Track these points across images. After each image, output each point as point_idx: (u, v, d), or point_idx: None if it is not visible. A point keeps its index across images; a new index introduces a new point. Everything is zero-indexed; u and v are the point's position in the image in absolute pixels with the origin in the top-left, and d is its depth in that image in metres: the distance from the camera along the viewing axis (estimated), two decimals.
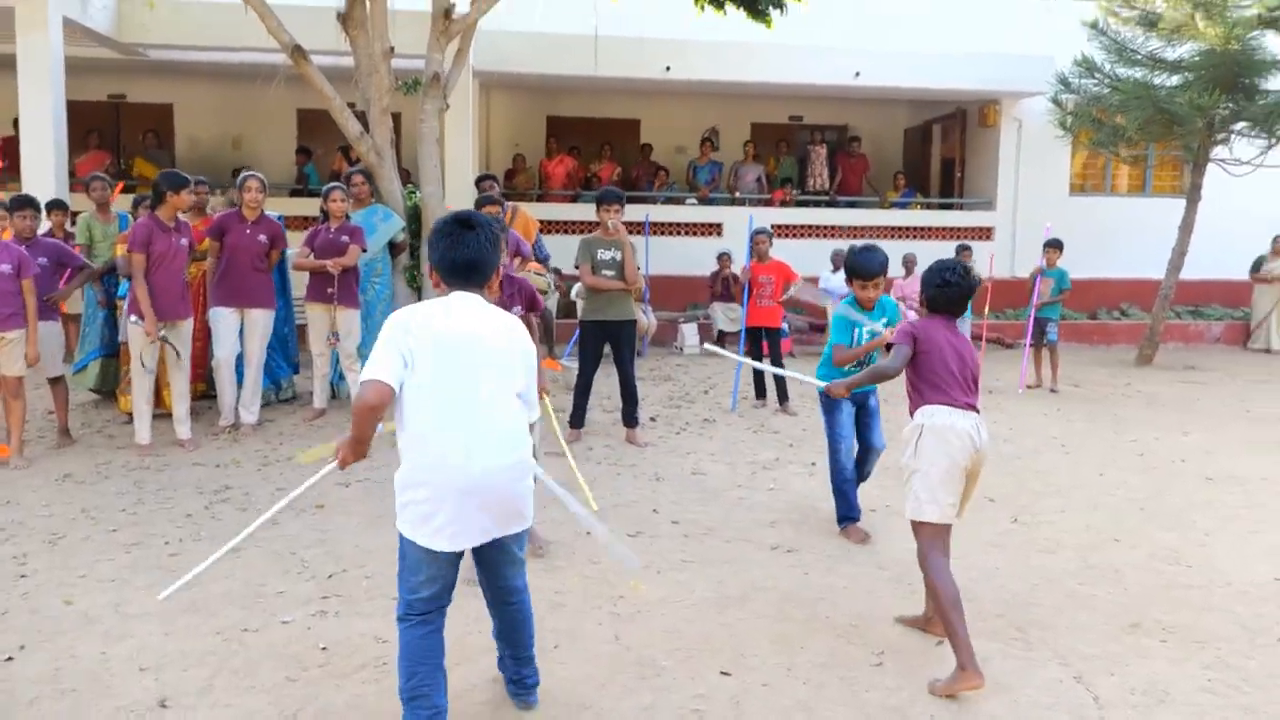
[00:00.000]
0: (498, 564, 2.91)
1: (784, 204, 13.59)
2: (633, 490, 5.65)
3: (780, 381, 8.00)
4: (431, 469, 2.68)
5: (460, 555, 2.80)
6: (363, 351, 7.48)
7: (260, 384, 7.01)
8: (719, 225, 13.25)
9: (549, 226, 11.82)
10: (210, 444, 6.52)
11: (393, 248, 8.14)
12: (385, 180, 8.17)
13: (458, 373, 2.68)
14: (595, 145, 14.39)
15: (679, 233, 13.08)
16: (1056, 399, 8.89)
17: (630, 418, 6.88)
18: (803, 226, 13.31)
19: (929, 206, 14.09)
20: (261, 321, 6.85)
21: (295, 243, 7.52)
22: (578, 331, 7.83)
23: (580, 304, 7.63)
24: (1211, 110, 9.17)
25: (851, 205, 13.80)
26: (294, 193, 12.62)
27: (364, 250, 7.28)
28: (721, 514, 5.21)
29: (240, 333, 6.82)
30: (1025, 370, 9.42)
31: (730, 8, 8.45)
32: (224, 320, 6.73)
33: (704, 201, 13.49)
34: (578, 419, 6.87)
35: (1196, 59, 9.38)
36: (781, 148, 14.29)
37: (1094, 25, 9.89)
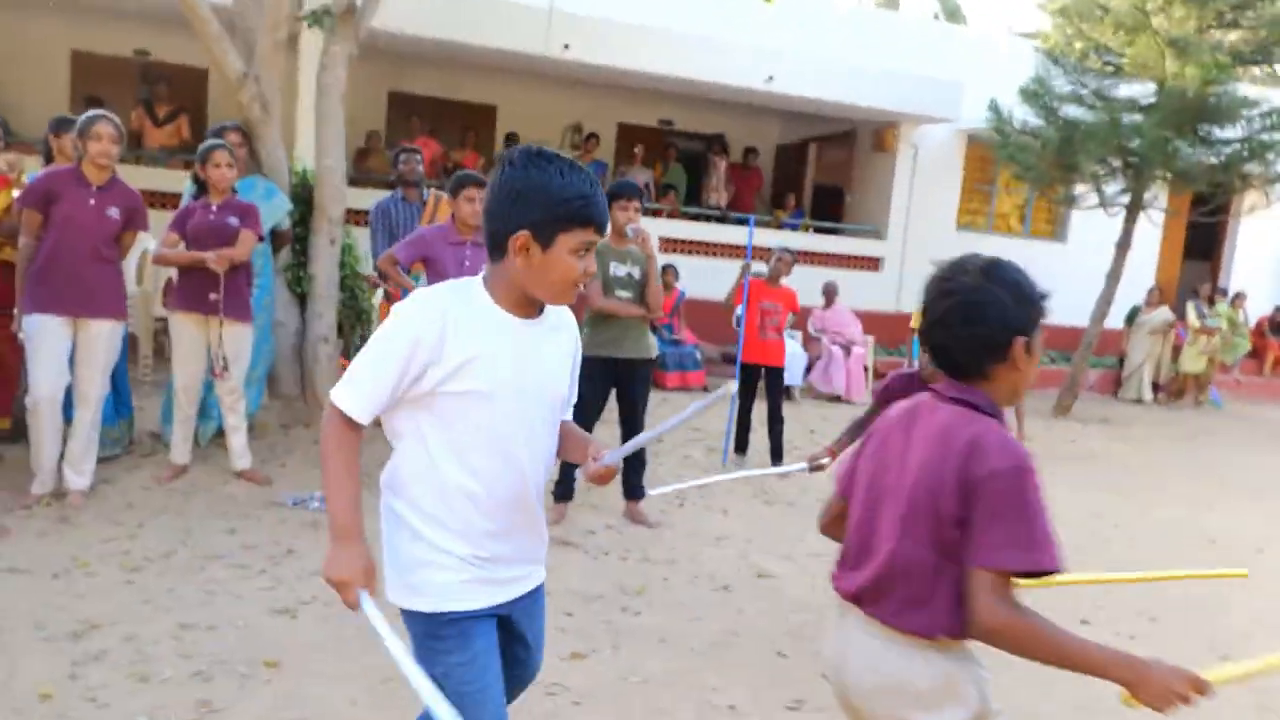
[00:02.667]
0: None
1: (671, 215, 12.23)
2: (710, 605, 4.01)
3: (777, 436, 6.59)
4: None
5: None
6: (254, 374, 5.31)
7: (98, 432, 4.66)
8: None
9: None
10: (24, 526, 4.17)
11: (274, 237, 5.95)
12: (269, 142, 5.95)
13: None
14: (448, 131, 12.40)
15: None
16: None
17: (635, 487, 5.21)
18: (692, 242, 12.01)
19: (821, 230, 13.22)
20: (107, 338, 4.54)
21: None
22: None
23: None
24: (1174, 155, 8.78)
25: (741, 222, 12.64)
26: None
27: (260, 239, 5.12)
28: None
29: (70, 356, 4.48)
30: None
31: None
32: (50, 334, 4.36)
33: None
34: (565, 489, 5.09)
35: (1155, 100, 8.96)
36: (670, 153, 12.93)
37: (1050, 54, 9.28)
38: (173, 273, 6.64)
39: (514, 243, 1.77)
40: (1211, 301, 12.83)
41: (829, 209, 14.16)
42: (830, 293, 10.65)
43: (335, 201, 6.06)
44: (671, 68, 10.96)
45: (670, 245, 11.62)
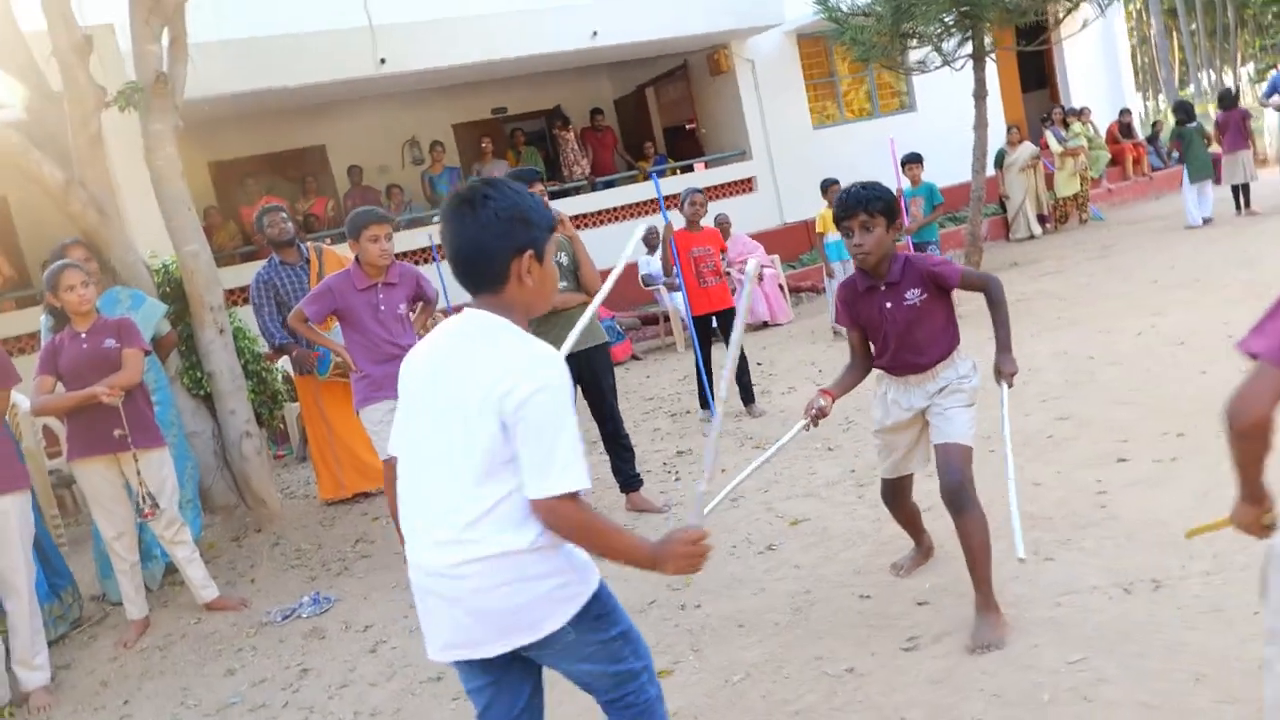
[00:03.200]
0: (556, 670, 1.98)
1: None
2: (764, 571, 3.76)
3: (744, 377, 6.38)
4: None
5: (493, 667, 1.92)
6: (185, 496, 4.78)
7: (39, 619, 4.08)
8: None
9: None
10: None
11: (157, 346, 5.35)
12: (118, 247, 5.33)
13: (414, 426, 1.92)
14: (285, 184, 11.70)
15: (444, 255, 10.83)
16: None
17: (631, 478, 4.91)
18: (570, 219, 11.65)
19: (687, 170, 13.01)
20: (17, 515, 3.91)
21: None
22: None
23: None
24: None
25: (609, 185, 12.36)
26: None
27: (146, 352, 4.56)
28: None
29: None
30: None
31: None
32: None
33: None
34: None
35: None
36: (519, 138, 12.47)
37: None
38: (51, 421, 5.99)
39: (520, 265, 1.84)
40: (1065, 124, 13.20)
41: (686, 146, 14.00)
42: (725, 225, 10.44)
43: (211, 288, 5.50)
44: (496, 52, 10.55)
45: None
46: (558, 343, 4.53)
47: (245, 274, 8.31)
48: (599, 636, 1.91)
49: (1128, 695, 2.51)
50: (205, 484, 5.67)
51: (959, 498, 2.95)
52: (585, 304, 4.74)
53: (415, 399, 1.91)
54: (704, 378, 6.37)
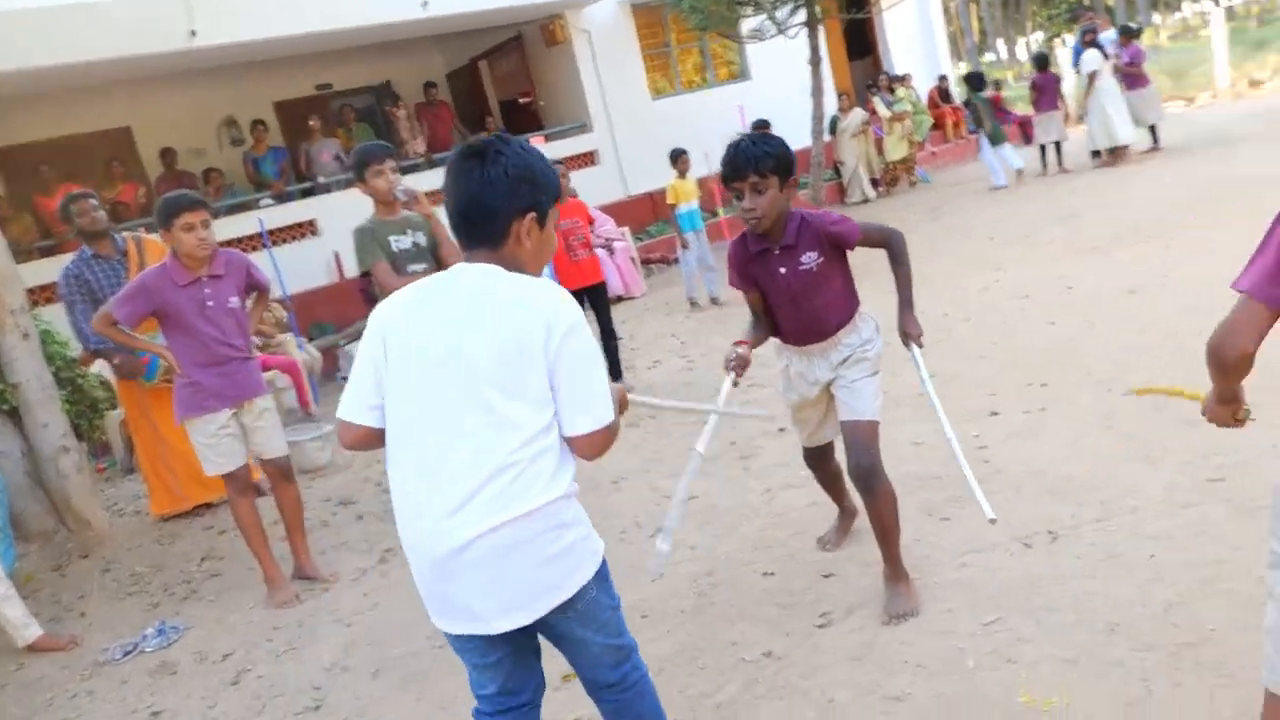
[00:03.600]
0: (563, 650, 1.96)
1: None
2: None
3: (613, 354, 6.19)
4: (401, 529, 1.85)
5: (511, 635, 1.86)
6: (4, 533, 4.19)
7: None
8: (313, 223, 10.53)
9: None
10: None
11: None
12: None
13: (423, 386, 1.79)
14: (85, 170, 10.60)
15: (275, 241, 10.12)
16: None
17: None
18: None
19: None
20: None
21: None
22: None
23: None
24: None
25: (445, 163, 11.86)
26: None
27: None
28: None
29: None
30: None
31: None
32: None
33: (280, 198, 10.62)
34: None
35: None
36: (349, 115, 11.77)
37: None
38: None
39: (521, 226, 1.80)
40: (891, 90, 13.64)
41: (524, 120, 13.63)
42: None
43: (11, 287, 4.83)
44: (319, 24, 9.86)
45: None
46: None
47: (48, 270, 7.46)
48: (609, 601, 1.92)
49: (1047, 652, 2.50)
50: (17, 509, 5.00)
51: (870, 478, 2.84)
52: None
53: (411, 359, 1.78)
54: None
